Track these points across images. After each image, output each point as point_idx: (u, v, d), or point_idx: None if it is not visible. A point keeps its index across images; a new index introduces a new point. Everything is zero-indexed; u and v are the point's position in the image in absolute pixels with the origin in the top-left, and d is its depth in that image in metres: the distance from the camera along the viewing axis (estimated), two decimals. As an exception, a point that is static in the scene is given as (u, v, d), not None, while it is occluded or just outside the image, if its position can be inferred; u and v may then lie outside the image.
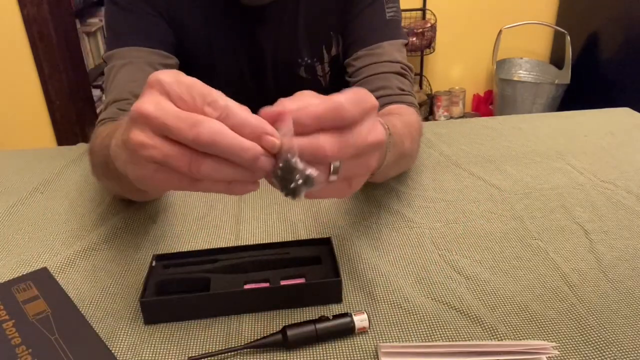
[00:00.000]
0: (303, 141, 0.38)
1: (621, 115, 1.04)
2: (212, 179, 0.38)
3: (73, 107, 2.27)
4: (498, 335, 0.50)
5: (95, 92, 2.58)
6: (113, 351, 0.48)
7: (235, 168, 0.38)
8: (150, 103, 0.37)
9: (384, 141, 0.42)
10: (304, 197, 0.40)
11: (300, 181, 0.38)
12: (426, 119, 2.92)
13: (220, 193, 0.39)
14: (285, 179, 0.38)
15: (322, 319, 0.49)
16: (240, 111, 0.37)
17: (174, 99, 0.38)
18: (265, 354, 0.48)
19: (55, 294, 0.54)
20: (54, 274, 0.58)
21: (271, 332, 0.49)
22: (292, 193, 0.38)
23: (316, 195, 0.41)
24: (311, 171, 0.38)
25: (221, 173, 0.38)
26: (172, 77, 0.38)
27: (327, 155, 0.38)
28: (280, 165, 0.38)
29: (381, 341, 0.49)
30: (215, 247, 0.60)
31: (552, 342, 0.49)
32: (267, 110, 0.39)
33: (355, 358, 0.47)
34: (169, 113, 0.37)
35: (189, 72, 1.00)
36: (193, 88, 0.38)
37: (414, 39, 2.69)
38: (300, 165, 0.38)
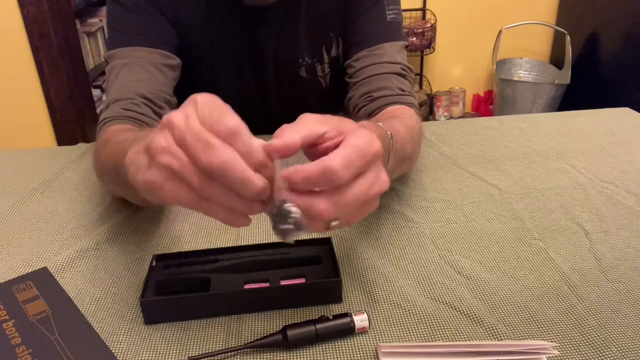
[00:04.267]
0: (300, 201, 0.38)
1: (621, 115, 1.04)
2: (218, 203, 0.39)
3: (73, 107, 2.27)
4: (498, 335, 0.50)
5: (95, 92, 2.58)
6: (113, 351, 0.48)
7: (241, 199, 0.38)
8: (179, 115, 0.38)
9: (387, 188, 0.42)
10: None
11: (291, 226, 0.39)
12: (426, 119, 2.92)
13: (218, 220, 0.40)
14: (277, 220, 0.39)
15: (322, 319, 0.49)
16: (249, 140, 0.37)
17: (200, 115, 0.38)
18: (265, 354, 0.48)
19: (55, 294, 0.54)
20: (54, 274, 0.58)
21: (271, 332, 0.49)
22: (281, 234, 0.39)
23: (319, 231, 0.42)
24: (302, 218, 0.39)
25: (228, 198, 0.38)
26: (207, 97, 0.39)
27: (324, 217, 0.39)
28: (276, 206, 0.39)
29: (381, 341, 0.49)
30: (215, 247, 0.60)
31: (552, 342, 0.49)
32: (267, 145, 0.39)
33: (355, 358, 0.48)
34: (191, 129, 0.37)
35: (190, 72, 1.00)
36: (219, 109, 0.38)
37: (414, 39, 2.69)
38: (292, 210, 0.38)
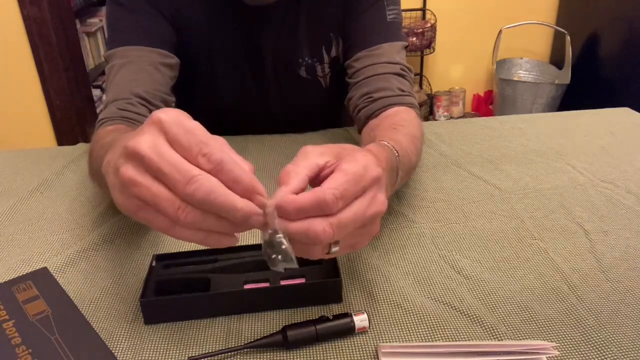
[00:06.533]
0: (296, 226, 0.38)
1: (621, 115, 1.04)
2: (194, 228, 0.38)
3: (73, 107, 2.27)
4: (498, 335, 0.50)
5: (95, 92, 2.57)
6: (113, 351, 0.48)
7: (220, 220, 0.38)
8: (146, 142, 0.37)
9: (385, 210, 0.42)
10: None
11: (279, 257, 0.38)
12: (426, 119, 2.92)
13: (194, 242, 0.39)
14: (268, 248, 0.39)
15: (322, 319, 0.49)
16: (234, 167, 0.37)
17: (170, 139, 0.37)
18: (265, 354, 0.48)
19: (55, 294, 0.54)
20: (54, 274, 0.58)
21: (271, 332, 0.49)
22: (271, 262, 0.39)
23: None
24: (291, 252, 0.38)
25: (205, 223, 0.37)
26: (173, 117, 0.37)
27: (322, 239, 0.38)
28: (266, 237, 0.38)
29: (381, 341, 0.49)
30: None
31: (552, 342, 0.49)
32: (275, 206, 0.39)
33: (355, 358, 0.47)
34: (166, 159, 0.36)
35: (190, 72, 0.99)
36: (191, 134, 0.37)
37: (414, 39, 2.69)
38: (283, 242, 0.38)
